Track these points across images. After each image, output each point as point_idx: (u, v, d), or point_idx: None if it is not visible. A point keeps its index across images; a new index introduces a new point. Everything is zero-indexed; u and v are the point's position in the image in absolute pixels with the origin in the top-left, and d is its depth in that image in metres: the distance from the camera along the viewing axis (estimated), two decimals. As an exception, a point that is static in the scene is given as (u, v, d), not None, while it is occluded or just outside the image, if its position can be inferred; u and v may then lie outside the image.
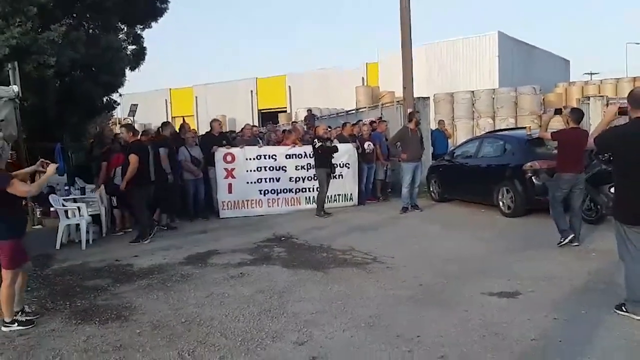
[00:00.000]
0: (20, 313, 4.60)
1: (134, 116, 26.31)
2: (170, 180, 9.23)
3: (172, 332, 4.35)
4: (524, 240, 7.37)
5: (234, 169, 10.31)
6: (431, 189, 11.51)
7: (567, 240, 6.65)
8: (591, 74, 44.17)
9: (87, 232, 7.97)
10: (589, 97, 17.31)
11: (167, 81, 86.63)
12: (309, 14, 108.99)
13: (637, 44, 49.14)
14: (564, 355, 3.65)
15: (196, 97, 41.74)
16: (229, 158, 10.29)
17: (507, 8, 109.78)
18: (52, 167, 4.67)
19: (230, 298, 5.22)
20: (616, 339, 3.89)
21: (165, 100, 43.05)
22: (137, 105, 25.68)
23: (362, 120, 12.99)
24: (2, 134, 6.23)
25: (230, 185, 10.28)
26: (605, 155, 6.90)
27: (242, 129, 12.31)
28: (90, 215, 8.29)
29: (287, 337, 4.15)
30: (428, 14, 77.43)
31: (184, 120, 12.56)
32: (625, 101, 4.18)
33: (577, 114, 6.65)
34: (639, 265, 4.22)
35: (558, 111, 4.80)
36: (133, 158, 7.93)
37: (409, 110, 11.29)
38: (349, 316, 4.56)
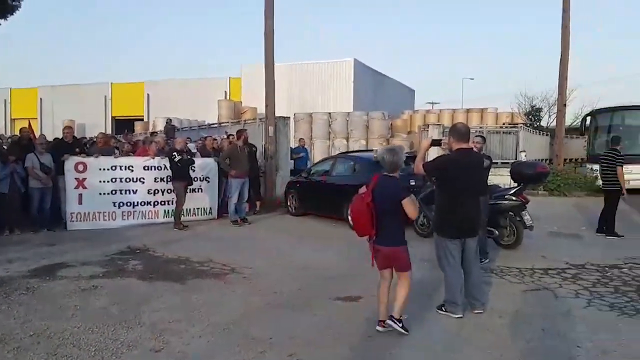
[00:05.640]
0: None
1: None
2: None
3: (19, 344, 4.19)
4: (367, 251, 8.07)
5: (86, 178, 9.86)
6: (289, 204, 12.06)
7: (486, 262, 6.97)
8: (432, 103, 49.13)
9: None
10: (428, 125, 19.42)
11: (7, 80, 78.36)
12: (169, 21, 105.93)
13: (472, 79, 56.06)
14: (393, 347, 4.26)
15: (41, 99, 38.41)
16: (80, 167, 9.82)
17: (362, 38, 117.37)
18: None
19: (82, 310, 5.12)
20: (437, 333, 4.61)
21: (5, 100, 38.99)
22: (-31, 103, 23.00)
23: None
24: None
25: (80, 195, 9.80)
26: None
27: (97, 137, 11.80)
28: None
29: (143, 345, 4.24)
30: (291, 35, 79.64)
31: (29, 124, 11.70)
32: (435, 134, 4.98)
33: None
34: (456, 273, 5.02)
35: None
36: None
37: (238, 128, 11.87)
38: (206, 323, 4.77)
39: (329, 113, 22.17)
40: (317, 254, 7.95)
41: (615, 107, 17.95)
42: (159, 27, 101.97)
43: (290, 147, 15.03)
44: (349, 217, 9.95)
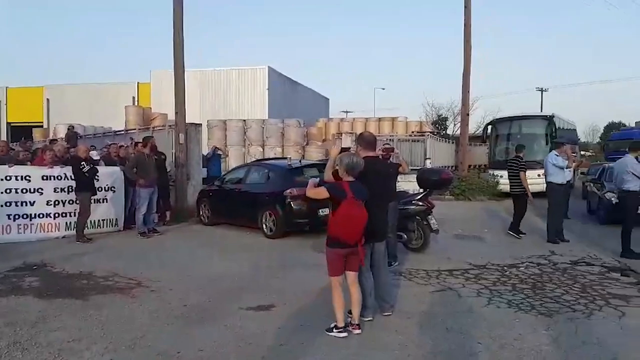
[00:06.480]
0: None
1: None
2: None
3: None
4: (282, 259, 8.13)
5: (-24, 190, 9.08)
6: (201, 213, 11.76)
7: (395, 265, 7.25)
8: (346, 112, 50.28)
9: None
10: (341, 133, 19.83)
11: None
12: (73, 22, 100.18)
13: (383, 89, 58.21)
14: (304, 353, 4.26)
15: None
16: (-31, 178, 9.02)
17: (276, 45, 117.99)
18: None
19: (-31, 334, 4.67)
20: (350, 338, 4.64)
21: None
22: None
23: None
24: None
25: (-31, 208, 9.00)
26: None
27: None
28: None
29: (38, 368, 3.94)
30: (201, 40, 78.35)
31: None
32: (348, 142, 5.07)
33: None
34: (366, 276, 5.09)
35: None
36: None
37: (145, 135, 11.54)
38: (109, 340, 4.52)
39: (244, 120, 21.99)
40: (229, 264, 7.81)
41: (513, 116, 19.31)
42: (60, 28, 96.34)
43: (203, 154, 14.74)
44: (263, 225, 9.96)
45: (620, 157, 8.90)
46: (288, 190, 9.58)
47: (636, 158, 8.39)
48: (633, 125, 36.26)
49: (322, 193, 4.69)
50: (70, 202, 9.91)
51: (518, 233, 9.97)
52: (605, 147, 29.79)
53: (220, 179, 12.17)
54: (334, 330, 4.64)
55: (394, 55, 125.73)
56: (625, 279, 6.73)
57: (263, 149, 20.91)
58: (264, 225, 9.99)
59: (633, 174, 8.16)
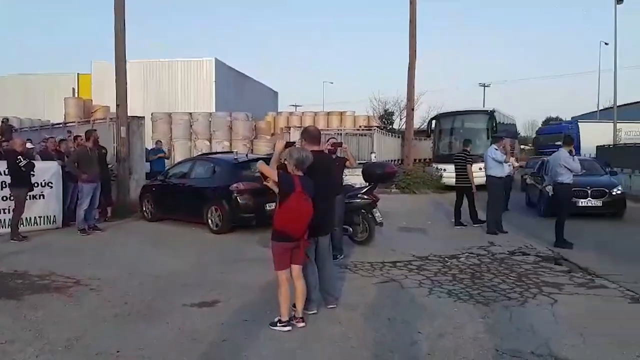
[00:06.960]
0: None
1: None
2: None
3: None
4: (228, 254, 8.04)
5: None
6: (144, 209, 11.45)
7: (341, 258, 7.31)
8: (296, 105, 50.31)
9: None
10: (290, 127, 19.80)
11: None
12: (10, 7, 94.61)
13: (331, 83, 58.53)
14: (247, 348, 4.25)
15: None
16: None
17: (222, 37, 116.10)
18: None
19: None
20: (293, 331, 4.66)
21: None
22: None
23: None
24: None
25: None
26: None
27: None
28: None
29: (-34, 374, 3.75)
30: (145, 30, 76.15)
31: None
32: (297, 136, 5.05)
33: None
34: (311, 270, 5.13)
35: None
36: None
37: (87, 129, 11.24)
38: (45, 341, 4.36)
39: (190, 113, 21.55)
40: (173, 260, 7.65)
41: (456, 111, 19.83)
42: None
43: (146, 148, 14.35)
44: (209, 220, 9.81)
45: (549, 150, 9.35)
46: (234, 185, 9.49)
47: (570, 152, 8.83)
48: (569, 119, 38.05)
49: (273, 175, 4.66)
50: (4, 198, 9.44)
51: (479, 222, 10.36)
52: (536, 141, 31.00)
53: (164, 174, 11.88)
54: (278, 324, 4.66)
55: (343, 50, 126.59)
56: (558, 268, 7.09)
57: (210, 143, 20.55)
58: (210, 221, 9.85)
59: (566, 167, 8.58)
